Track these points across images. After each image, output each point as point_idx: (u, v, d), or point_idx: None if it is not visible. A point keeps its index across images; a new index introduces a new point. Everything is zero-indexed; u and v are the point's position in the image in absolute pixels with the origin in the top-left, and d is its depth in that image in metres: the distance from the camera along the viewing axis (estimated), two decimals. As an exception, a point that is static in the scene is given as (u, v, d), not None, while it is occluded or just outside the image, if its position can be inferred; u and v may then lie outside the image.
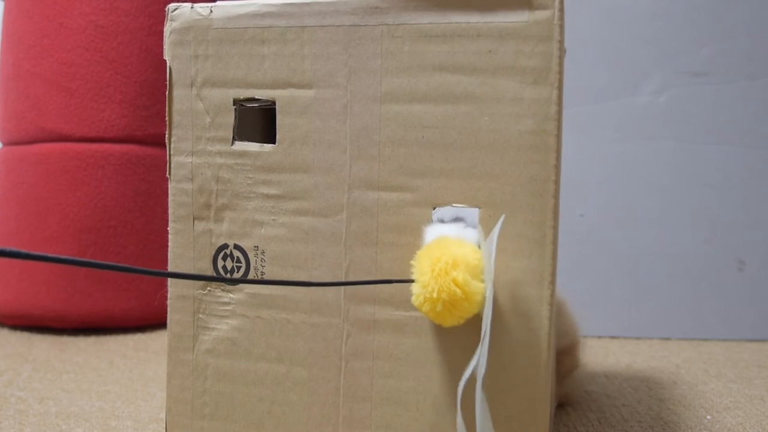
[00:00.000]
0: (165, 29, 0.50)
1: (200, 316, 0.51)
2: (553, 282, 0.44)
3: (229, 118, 0.49)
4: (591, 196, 1.05)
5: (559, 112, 0.43)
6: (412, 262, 0.43)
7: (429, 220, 0.45)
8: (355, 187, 0.47)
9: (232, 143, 0.49)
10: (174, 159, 0.51)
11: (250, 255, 0.49)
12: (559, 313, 0.64)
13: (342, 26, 0.46)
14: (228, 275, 0.50)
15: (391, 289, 0.46)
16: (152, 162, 1.09)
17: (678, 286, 1.04)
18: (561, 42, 0.43)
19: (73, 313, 1.04)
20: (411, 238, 0.46)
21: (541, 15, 0.43)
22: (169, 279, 0.51)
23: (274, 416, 0.49)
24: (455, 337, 0.45)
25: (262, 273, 0.49)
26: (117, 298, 1.06)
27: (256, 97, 0.49)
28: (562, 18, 0.43)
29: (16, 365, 0.84)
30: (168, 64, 0.50)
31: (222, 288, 0.50)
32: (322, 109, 0.47)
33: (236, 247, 0.49)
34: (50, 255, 0.25)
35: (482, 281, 0.41)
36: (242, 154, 0.49)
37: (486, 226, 0.44)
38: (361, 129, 0.46)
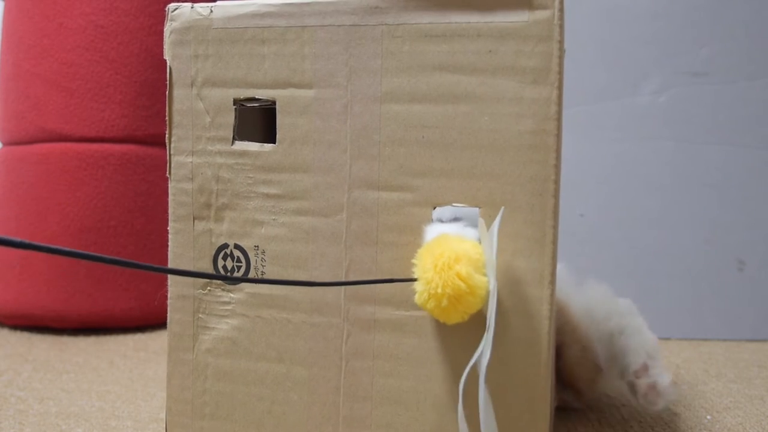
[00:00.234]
0: (165, 29, 0.50)
1: (200, 315, 0.51)
2: (553, 282, 0.44)
3: (230, 118, 0.49)
4: (591, 196, 1.05)
5: (559, 112, 0.43)
6: (413, 261, 0.43)
7: (429, 220, 0.45)
8: (356, 186, 0.47)
9: (233, 143, 0.49)
10: (174, 159, 0.51)
11: (251, 255, 0.49)
12: (561, 311, 0.63)
13: (342, 26, 0.46)
14: (228, 275, 0.50)
15: (391, 289, 0.46)
16: (152, 162, 1.09)
17: (678, 286, 1.04)
18: (561, 42, 0.43)
19: (73, 313, 1.04)
20: (411, 237, 0.46)
21: (541, 15, 0.43)
22: (170, 278, 0.51)
23: (275, 416, 0.49)
24: (455, 337, 0.45)
25: (263, 272, 0.49)
26: (117, 298, 1.06)
27: (257, 96, 0.49)
28: (562, 18, 0.43)
29: (16, 365, 0.84)
30: (168, 64, 0.50)
31: (222, 288, 0.50)
32: (323, 109, 0.47)
33: (236, 246, 0.49)
34: (54, 246, 0.25)
35: (485, 275, 0.41)
36: (242, 153, 0.49)
37: (486, 225, 0.44)
38: (361, 129, 0.46)
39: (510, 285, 0.44)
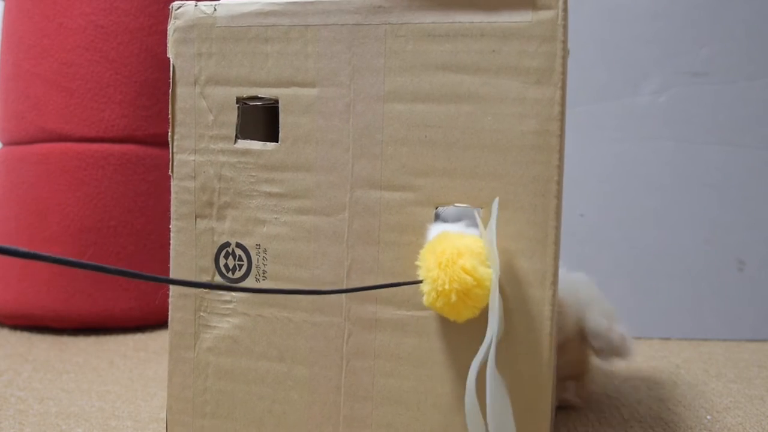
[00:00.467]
0: (169, 27, 0.50)
1: (202, 314, 0.51)
2: (555, 282, 0.44)
3: (232, 117, 0.49)
4: (591, 196, 1.05)
5: (562, 113, 0.43)
6: (417, 263, 0.43)
7: (431, 220, 0.45)
8: (358, 186, 0.47)
9: (235, 141, 0.49)
10: (177, 157, 0.51)
11: (252, 253, 0.49)
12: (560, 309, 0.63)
13: (345, 25, 0.46)
14: (230, 273, 0.50)
15: (392, 289, 0.46)
16: (152, 162, 1.09)
17: (678, 286, 1.04)
18: (564, 42, 0.43)
19: (73, 313, 1.04)
20: (413, 237, 0.46)
21: (544, 15, 0.43)
22: (172, 275, 0.51)
23: (275, 415, 0.49)
24: (457, 337, 0.45)
25: (264, 271, 0.49)
26: (117, 298, 1.06)
27: (259, 95, 0.49)
28: (565, 18, 0.43)
29: (16, 365, 0.84)
30: (171, 62, 0.50)
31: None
32: (325, 108, 0.47)
33: (238, 245, 0.49)
34: (50, 255, 0.25)
35: (489, 267, 0.41)
36: (245, 152, 0.49)
37: (485, 223, 0.44)
38: (363, 128, 0.46)
39: (512, 285, 0.44)
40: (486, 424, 0.41)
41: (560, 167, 0.43)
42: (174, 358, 0.52)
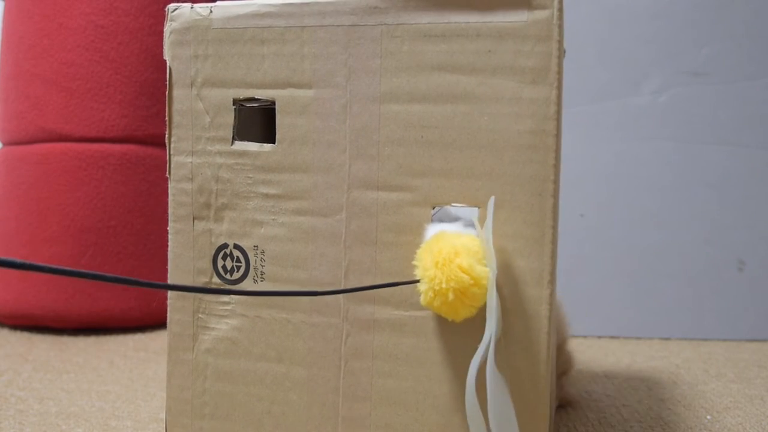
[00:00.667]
0: (165, 29, 0.50)
1: (200, 315, 0.51)
2: (552, 281, 0.44)
3: (229, 118, 0.49)
4: (591, 196, 1.05)
5: (558, 112, 0.43)
6: (414, 262, 0.43)
7: (428, 220, 0.45)
8: (355, 186, 0.47)
9: (232, 143, 0.49)
10: (174, 159, 0.51)
11: (250, 254, 0.49)
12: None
13: (341, 26, 0.46)
14: (228, 275, 0.50)
15: (390, 289, 0.46)
16: (152, 162, 1.09)
17: (678, 286, 1.04)
18: (560, 42, 0.43)
19: (73, 313, 1.04)
20: (410, 237, 0.46)
21: (540, 15, 0.43)
22: (170, 277, 0.51)
23: (274, 416, 0.49)
24: (455, 337, 0.45)
25: (262, 272, 0.49)
26: (117, 298, 1.06)
27: (256, 96, 0.49)
28: (561, 18, 0.43)
29: (16, 365, 0.84)
30: (168, 64, 0.50)
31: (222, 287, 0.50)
32: (322, 109, 0.47)
33: (236, 246, 0.49)
34: (44, 265, 0.25)
35: (486, 266, 0.41)
36: (242, 153, 0.49)
37: (483, 223, 0.44)
38: (360, 129, 0.46)
39: (509, 285, 0.44)
40: (487, 424, 0.41)
41: (557, 166, 0.43)
42: (173, 359, 0.52)
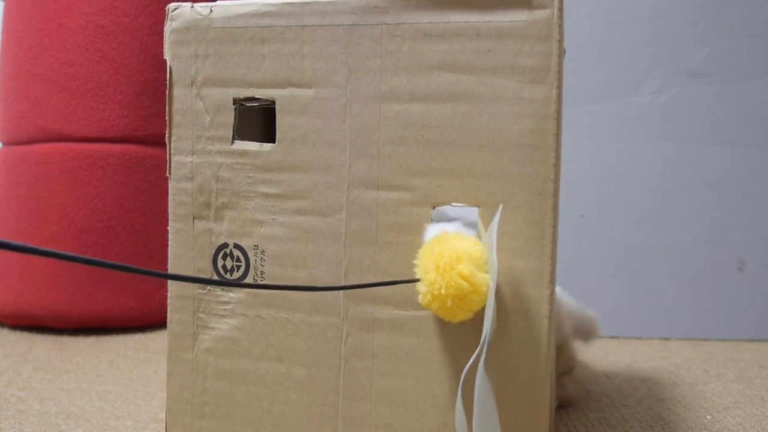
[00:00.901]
0: (165, 29, 0.50)
1: (200, 315, 0.51)
2: (552, 281, 0.44)
3: (229, 118, 0.49)
4: (591, 196, 1.05)
5: (559, 111, 0.43)
6: (415, 261, 0.43)
7: (428, 219, 0.45)
8: (355, 186, 0.47)
9: (232, 142, 0.49)
10: (174, 158, 0.51)
11: (250, 254, 0.49)
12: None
13: (342, 25, 0.46)
14: (228, 274, 0.50)
15: (390, 289, 0.46)
16: (152, 162, 1.09)
17: (678, 286, 1.04)
18: (560, 41, 0.43)
19: (73, 313, 1.04)
20: (410, 237, 0.46)
21: (540, 14, 0.43)
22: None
23: (274, 415, 0.49)
24: (455, 336, 0.45)
25: (262, 272, 0.49)
26: (117, 298, 1.06)
27: (256, 96, 0.49)
28: (561, 17, 0.43)
29: (16, 365, 0.84)
30: (168, 64, 0.50)
31: (222, 287, 0.50)
32: (322, 109, 0.47)
33: (236, 246, 0.49)
34: (51, 250, 0.25)
35: (487, 272, 0.41)
36: (242, 153, 0.49)
37: (485, 224, 0.44)
38: (360, 128, 0.46)
39: (509, 285, 0.44)
40: (470, 424, 0.41)
41: (557, 166, 0.43)
42: (173, 359, 0.52)
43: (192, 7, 0.49)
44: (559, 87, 0.43)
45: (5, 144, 1.13)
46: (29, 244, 0.24)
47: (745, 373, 0.84)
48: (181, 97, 0.50)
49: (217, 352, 0.50)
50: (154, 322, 1.10)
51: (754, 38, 1.02)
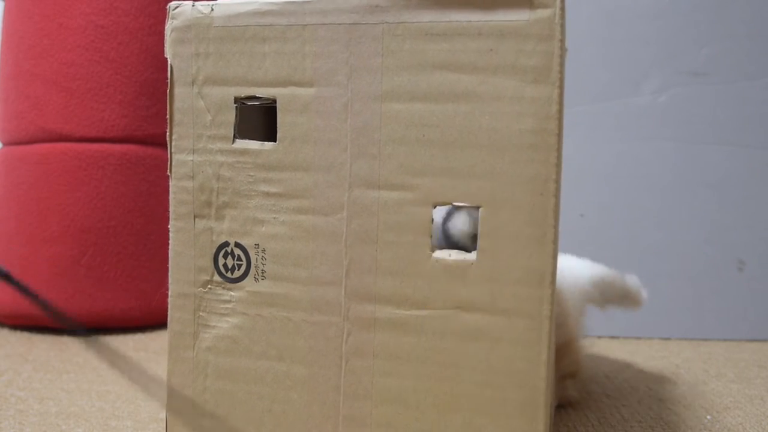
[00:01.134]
0: (166, 27, 0.50)
1: (201, 314, 0.51)
2: (553, 281, 0.44)
3: (230, 116, 0.49)
4: (591, 196, 1.05)
5: (560, 111, 0.43)
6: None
7: (429, 219, 0.45)
8: (356, 185, 0.47)
9: (233, 141, 0.49)
10: (175, 157, 0.51)
11: (251, 253, 0.49)
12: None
13: (343, 24, 0.46)
14: (229, 273, 0.50)
15: (391, 288, 0.46)
16: (152, 162, 1.09)
17: (678, 286, 1.04)
18: (562, 41, 0.43)
19: (73, 313, 1.04)
20: (411, 236, 0.46)
21: (542, 14, 0.43)
22: (170, 277, 0.51)
23: (274, 414, 0.49)
24: (455, 336, 0.45)
25: (263, 271, 0.49)
26: (117, 298, 1.06)
27: (257, 95, 0.49)
28: (563, 17, 0.43)
29: (16, 365, 0.84)
30: (169, 62, 0.50)
31: (223, 286, 0.50)
32: (323, 108, 0.47)
33: (237, 245, 0.49)
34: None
35: None
36: (243, 152, 0.49)
37: (486, 224, 0.44)
38: (361, 127, 0.46)
39: (510, 285, 0.44)
40: None
41: (558, 166, 0.43)
42: (173, 357, 0.52)
43: (193, 5, 0.49)
44: (561, 87, 0.43)
45: (5, 144, 1.13)
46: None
47: (745, 373, 0.84)
48: (182, 96, 0.50)
49: (217, 351, 0.50)
50: (155, 322, 1.10)
51: (754, 38, 1.02)
